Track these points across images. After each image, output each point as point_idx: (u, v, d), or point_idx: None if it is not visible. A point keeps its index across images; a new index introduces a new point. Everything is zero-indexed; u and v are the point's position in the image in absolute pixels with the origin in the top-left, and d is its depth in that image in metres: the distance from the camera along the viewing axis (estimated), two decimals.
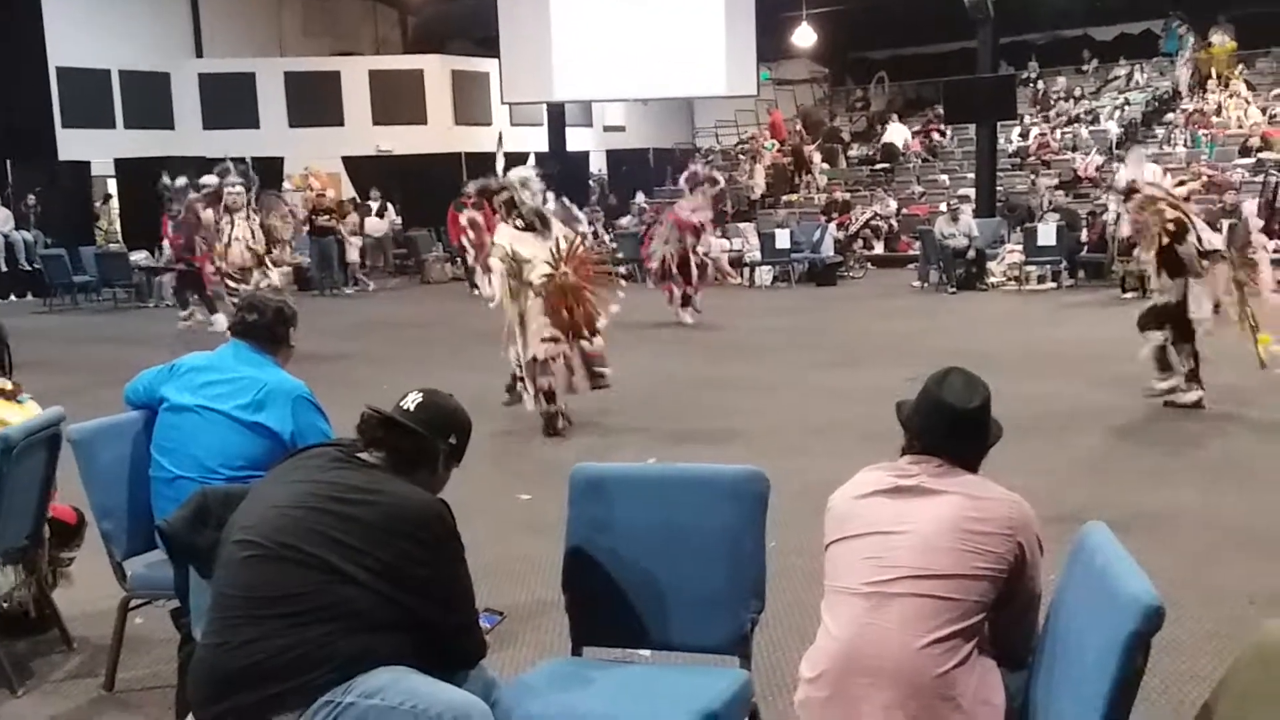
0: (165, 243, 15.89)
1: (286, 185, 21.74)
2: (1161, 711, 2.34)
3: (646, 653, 3.37)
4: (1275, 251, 15.32)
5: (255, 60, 24.07)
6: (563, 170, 19.70)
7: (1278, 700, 1.89)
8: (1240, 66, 22.26)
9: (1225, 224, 9.34)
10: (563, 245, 7.78)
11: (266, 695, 2.46)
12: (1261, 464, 6.81)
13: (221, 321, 12.63)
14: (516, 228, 7.88)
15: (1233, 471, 6.67)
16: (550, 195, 8.41)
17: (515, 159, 9.80)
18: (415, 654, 2.58)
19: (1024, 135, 22.82)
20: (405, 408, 2.78)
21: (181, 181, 14.46)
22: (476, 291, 8.92)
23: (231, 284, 11.36)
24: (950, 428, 2.72)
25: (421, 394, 2.83)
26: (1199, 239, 7.96)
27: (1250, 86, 21.80)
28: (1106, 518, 2.64)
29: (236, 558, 2.59)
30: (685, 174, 14.85)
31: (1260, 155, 19.01)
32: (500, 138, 10.26)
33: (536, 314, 7.69)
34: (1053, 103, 24.35)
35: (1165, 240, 7.94)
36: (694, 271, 13.76)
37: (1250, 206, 8.57)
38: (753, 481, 3.16)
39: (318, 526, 2.55)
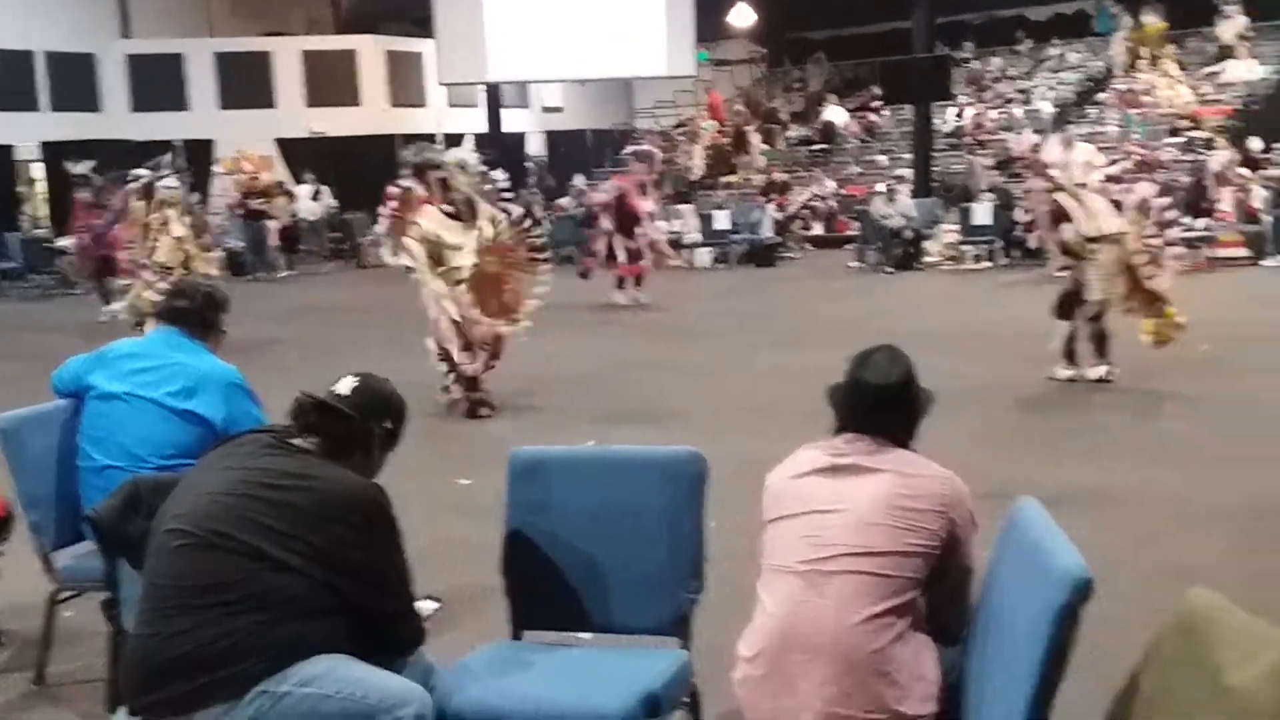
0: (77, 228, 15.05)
1: (218, 168, 21.37)
2: (1091, 683, 2.38)
3: (587, 635, 3.37)
4: (1206, 229, 15.85)
5: (184, 41, 23.56)
6: (500, 152, 19.55)
7: (1199, 667, 1.93)
8: (1171, 46, 22.57)
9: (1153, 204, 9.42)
10: (489, 232, 7.77)
11: (199, 685, 2.43)
12: (1188, 440, 6.95)
13: (115, 310, 12.40)
14: (445, 212, 7.83)
15: (1160, 448, 6.82)
16: (487, 171, 8.42)
17: (452, 141, 9.74)
18: (350, 640, 2.56)
19: (960, 115, 23.00)
20: (339, 392, 2.76)
21: (86, 167, 14.11)
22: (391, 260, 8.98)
23: (151, 277, 10.98)
24: (873, 404, 2.76)
25: (356, 378, 2.80)
26: (1085, 223, 8.10)
27: (1181, 66, 22.12)
28: (1038, 494, 2.67)
29: (168, 547, 2.56)
30: (632, 149, 15.03)
31: (1190, 134, 19.32)
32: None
33: (461, 297, 7.72)
34: (988, 83, 24.56)
35: (1047, 224, 8.17)
36: (622, 255, 13.78)
37: (1144, 189, 8.78)
38: (691, 462, 3.18)
39: (249, 513, 2.52)
